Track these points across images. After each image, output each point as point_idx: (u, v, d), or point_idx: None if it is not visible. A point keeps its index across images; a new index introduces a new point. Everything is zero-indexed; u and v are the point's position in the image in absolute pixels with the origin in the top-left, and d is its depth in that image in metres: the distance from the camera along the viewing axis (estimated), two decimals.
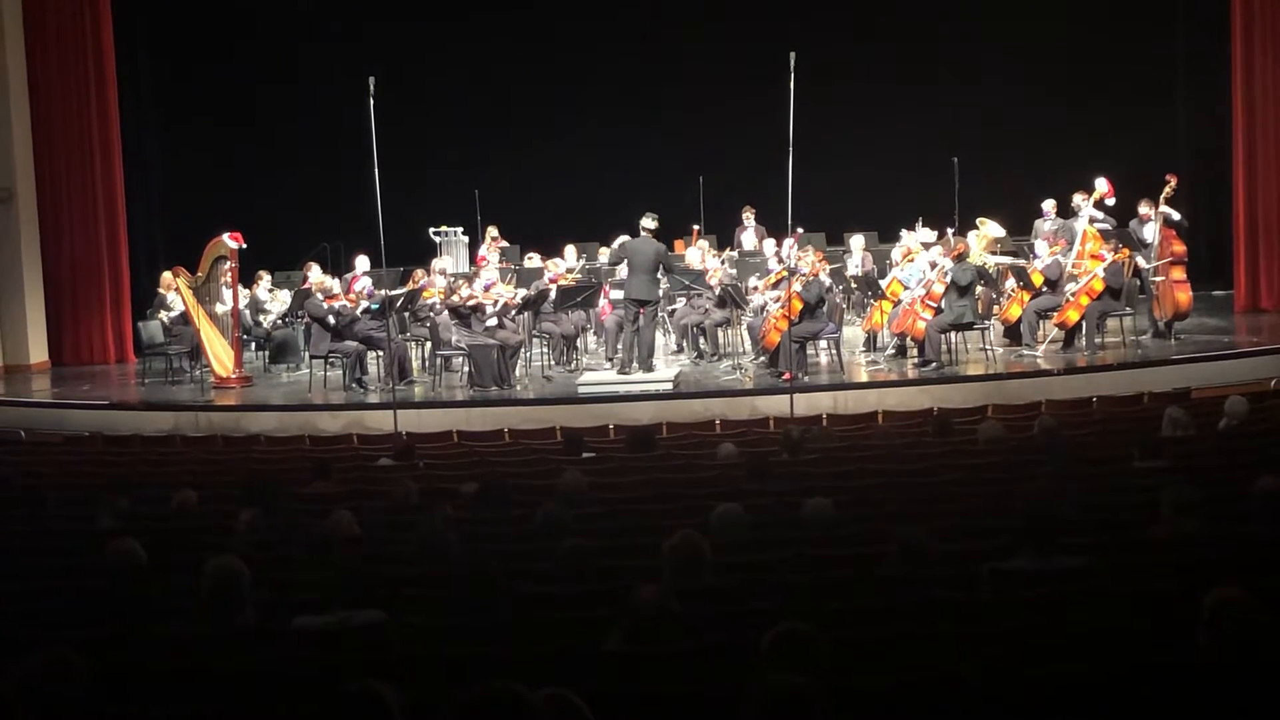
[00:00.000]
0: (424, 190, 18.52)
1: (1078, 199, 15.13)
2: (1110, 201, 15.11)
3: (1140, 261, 14.48)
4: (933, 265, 14.14)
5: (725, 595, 5.62)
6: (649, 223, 13.80)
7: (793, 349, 13.11)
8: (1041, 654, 4.67)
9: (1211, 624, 4.41)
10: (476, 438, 11.88)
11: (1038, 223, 16.18)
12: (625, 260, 13.99)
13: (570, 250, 16.78)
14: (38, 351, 17.60)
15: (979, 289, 14.19)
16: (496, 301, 14.43)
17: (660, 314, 15.95)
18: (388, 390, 13.53)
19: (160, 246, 19.27)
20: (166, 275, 15.99)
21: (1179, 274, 14.37)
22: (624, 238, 14.21)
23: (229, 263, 15.15)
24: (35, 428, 13.94)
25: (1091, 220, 14.84)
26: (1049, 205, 16.11)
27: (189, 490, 8.60)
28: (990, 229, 15.64)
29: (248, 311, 16.02)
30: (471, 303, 14.15)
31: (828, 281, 14.26)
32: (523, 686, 3.29)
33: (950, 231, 15.77)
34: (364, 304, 14.75)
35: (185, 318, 15.45)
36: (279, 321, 16.41)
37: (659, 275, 14.05)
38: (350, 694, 3.74)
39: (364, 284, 15.22)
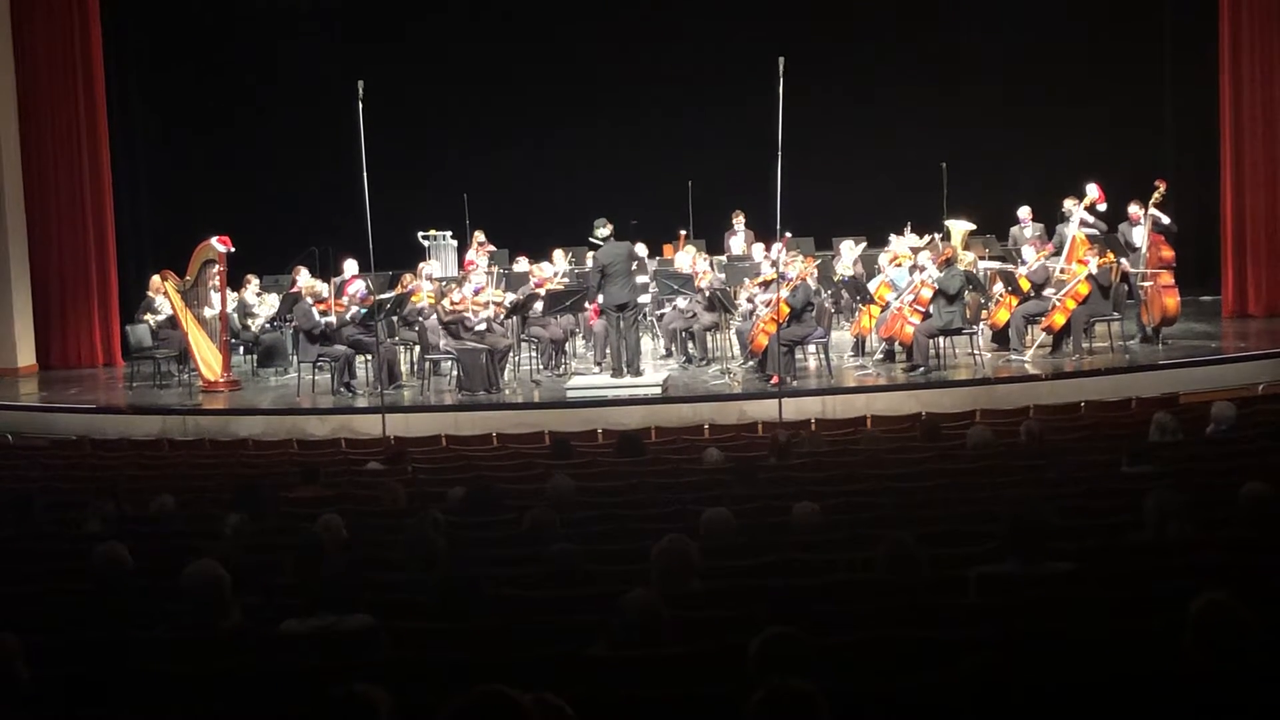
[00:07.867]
0: (413, 194, 18.49)
1: (1068, 204, 15.16)
2: (1101, 207, 15.16)
3: (1126, 266, 14.51)
4: (921, 269, 14.14)
5: (713, 600, 5.62)
6: (602, 231, 13.81)
7: (781, 353, 13.12)
8: (1028, 659, 4.68)
9: (1198, 629, 4.43)
10: (465, 442, 11.86)
11: (1014, 230, 16.17)
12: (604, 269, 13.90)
13: (558, 254, 16.74)
14: (25, 355, 17.51)
15: (967, 294, 14.21)
16: (487, 305, 14.41)
17: (648, 318, 15.96)
18: (376, 394, 13.53)
19: (148, 250, 19.18)
20: (155, 279, 15.93)
21: (1167, 279, 14.40)
22: (591, 253, 14.20)
23: (217, 266, 15.13)
24: (22, 431, 13.89)
25: (1082, 224, 14.88)
26: (1025, 212, 16.12)
27: (176, 495, 8.57)
28: (958, 225, 15.71)
29: (236, 315, 15.97)
30: (457, 314, 14.07)
31: (815, 286, 14.26)
32: (514, 690, 3.30)
33: (938, 237, 15.78)
34: (353, 309, 14.71)
35: (173, 321, 15.40)
36: (267, 325, 16.36)
37: (635, 274, 13.98)
38: (339, 698, 3.74)
39: (357, 287, 15.17)
